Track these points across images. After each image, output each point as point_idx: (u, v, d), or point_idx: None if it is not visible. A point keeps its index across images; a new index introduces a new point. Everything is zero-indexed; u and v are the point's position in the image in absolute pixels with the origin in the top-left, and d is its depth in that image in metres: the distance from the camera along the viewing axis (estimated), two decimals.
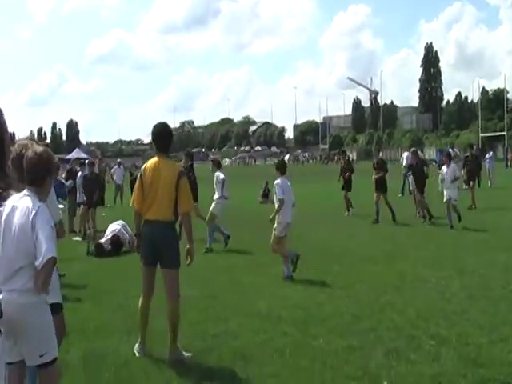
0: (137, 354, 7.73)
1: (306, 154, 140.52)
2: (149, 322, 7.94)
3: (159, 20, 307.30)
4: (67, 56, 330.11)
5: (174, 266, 7.68)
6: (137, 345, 7.82)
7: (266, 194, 31.26)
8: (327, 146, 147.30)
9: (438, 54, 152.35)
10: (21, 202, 4.99)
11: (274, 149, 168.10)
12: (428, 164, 22.70)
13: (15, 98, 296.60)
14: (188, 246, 7.74)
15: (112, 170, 34.33)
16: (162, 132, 7.99)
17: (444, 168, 18.93)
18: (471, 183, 24.73)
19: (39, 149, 5.21)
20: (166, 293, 7.64)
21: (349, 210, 23.16)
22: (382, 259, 13.73)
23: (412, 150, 23.79)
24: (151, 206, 7.62)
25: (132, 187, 33.49)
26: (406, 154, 31.19)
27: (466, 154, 27.90)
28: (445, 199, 18.36)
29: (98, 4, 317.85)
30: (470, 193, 24.26)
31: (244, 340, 8.13)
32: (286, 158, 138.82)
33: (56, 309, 5.81)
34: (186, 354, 7.62)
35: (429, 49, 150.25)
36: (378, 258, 13.93)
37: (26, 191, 5.06)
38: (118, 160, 37.17)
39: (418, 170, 20.94)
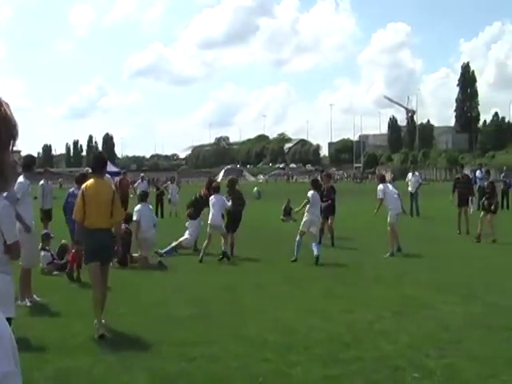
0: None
1: (341, 172, 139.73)
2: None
3: (198, 35, 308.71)
4: (106, 69, 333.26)
5: (110, 261, 10.51)
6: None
7: (288, 212, 30.68)
8: (361, 165, 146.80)
9: (477, 73, 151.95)
10: None
11: (308, 166, 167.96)
12: (335, 191, 20.26)
13: (54, 110, 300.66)
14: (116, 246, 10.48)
15: (135, 184, 34.18)
16: (98, 158, 10.36)
17: None
18: (463, 208, 22.71)
19: None
20: (103, 282, 9.61)
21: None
22: (391, 281, 13.30)
23: (324, 173, 22.96)
24: (94, 217, 9.35)
25: (157, 201, 33.60)
26: (409, 176, 31.40)
27: (457, 176, 25.56)
28: None
29: (137, 18, 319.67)
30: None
31: (221, 365, 7.75)
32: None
33: None
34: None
35: (465, 68, 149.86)
36: (388, 279, 13.50)
37: None
38: (142, 174, 37.04)
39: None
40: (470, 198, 23.28)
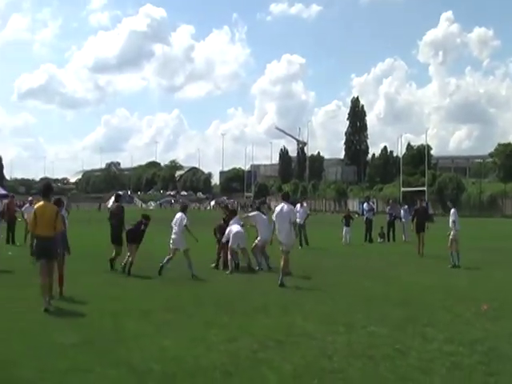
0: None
1: (232, 200, 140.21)
2: None
3: (91, 58, 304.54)
4: None
5: (56, 258, 14.05)
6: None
7: None
8: (252, 194, 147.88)
9: (368, 107, 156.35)
10: None
11: (199, 194, 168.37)
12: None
13: None
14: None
15: (23, 209, 33.33)
16: (46, 186, 14.48)
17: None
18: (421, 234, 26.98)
19: None
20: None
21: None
22: (275, 310, 13.31)
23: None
24: (42, 228, 13.26)
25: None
26: (298, 207, 31.54)
27: (416, 207, 29.19)
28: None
29: (29, 38, 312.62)
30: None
31: None
32: (212, 203, 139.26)
33: None
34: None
35: (355, 103, 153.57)
36: (272, 308, 13.51)
37: None
38: (30, 198, 36.03)
39: None
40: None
